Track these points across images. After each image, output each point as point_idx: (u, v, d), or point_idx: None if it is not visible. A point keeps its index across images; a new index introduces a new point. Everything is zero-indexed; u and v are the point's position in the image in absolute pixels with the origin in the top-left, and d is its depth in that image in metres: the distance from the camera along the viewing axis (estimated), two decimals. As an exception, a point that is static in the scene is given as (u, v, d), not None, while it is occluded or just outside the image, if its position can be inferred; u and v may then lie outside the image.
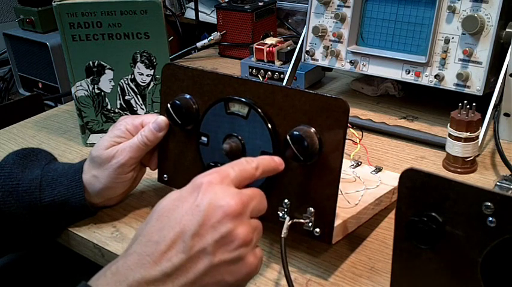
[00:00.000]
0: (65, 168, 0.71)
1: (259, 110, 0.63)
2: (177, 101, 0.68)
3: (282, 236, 0.59)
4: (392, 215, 0.70)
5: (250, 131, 0.64)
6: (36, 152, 0.74)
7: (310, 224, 0.60)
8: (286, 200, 0.61)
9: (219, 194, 0.51)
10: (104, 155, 0.69)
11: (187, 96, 0.69)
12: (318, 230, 0.59)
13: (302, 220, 0.60)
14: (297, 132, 0.58)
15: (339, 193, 0.59)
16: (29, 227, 0.69)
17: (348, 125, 0.58)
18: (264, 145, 0.63)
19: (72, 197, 0.69)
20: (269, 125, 0.62)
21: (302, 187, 0.60)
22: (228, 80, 0.66)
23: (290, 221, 0.60)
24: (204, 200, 0.50)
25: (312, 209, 0.59)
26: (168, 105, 0.69)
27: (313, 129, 0.59)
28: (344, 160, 0.59)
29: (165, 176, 0.74)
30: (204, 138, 0.68)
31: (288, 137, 0.58)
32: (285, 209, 0.61)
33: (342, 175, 0.58)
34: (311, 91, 0.60)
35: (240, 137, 0.65)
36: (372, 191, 0.70)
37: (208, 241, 0.49)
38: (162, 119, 0.70)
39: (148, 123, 0.70)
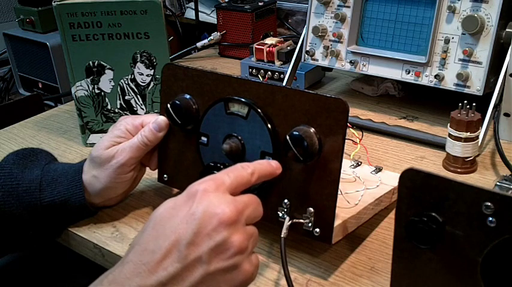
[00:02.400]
0: (65, 168, 0.71)
1: (259, 110, 0.63)
2: (177, 101, 0.68)
3: (282, 236, 0.59)
4: (392, 215, 0.70)
5: (250, 131, 0.64)
6: (36, 152, 0.74)
7: (310, 224, 0.60)
8: (285, 200, 0.61)
9: (214, 202, 0.50)
10: (104, 155, 0.69)
11: (187, 96, 0.69)
12: (317, 230, 0.59)
13: (302, 220, 0.60)
14: (297, 133, 0.58)
15: (339, 193, 0.59)
16: (29, 227, 0.69)
17: (348, 125, 0.58)
18: (264, 145, 0.63)
19: (72, 197, 0.69)
20: (269, 125, 0.62)
21: (302, 187, 0.60)
22: (228, 80, 0.66)
23: (290, 221, 0.60)
24: (199, 208, 0.50)
25: (311, 209, 0.59)
26: (168, 105, 0.69)
27: (312, 130, 0.59)
28: (344, 160, 0.59)
29: (165, 176, 0.74)
30: (204, 139, 0.68)
31: (287, 138, 0.58)
32: (285, 209, 0.61)
33: (342, 175, 0.58)
34: (311, 91, 0.60)
35: (239, 137, 0.65)
36: (371, 191, 0.70)
37: (204, 250, 0.48)
38: (162, 119, 0.70)
39: (148, 123, 0.70)
